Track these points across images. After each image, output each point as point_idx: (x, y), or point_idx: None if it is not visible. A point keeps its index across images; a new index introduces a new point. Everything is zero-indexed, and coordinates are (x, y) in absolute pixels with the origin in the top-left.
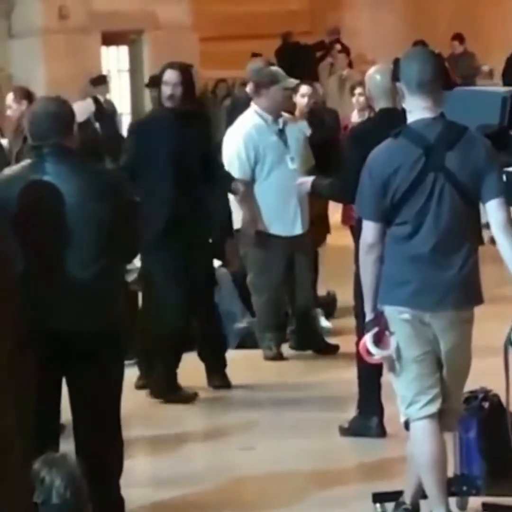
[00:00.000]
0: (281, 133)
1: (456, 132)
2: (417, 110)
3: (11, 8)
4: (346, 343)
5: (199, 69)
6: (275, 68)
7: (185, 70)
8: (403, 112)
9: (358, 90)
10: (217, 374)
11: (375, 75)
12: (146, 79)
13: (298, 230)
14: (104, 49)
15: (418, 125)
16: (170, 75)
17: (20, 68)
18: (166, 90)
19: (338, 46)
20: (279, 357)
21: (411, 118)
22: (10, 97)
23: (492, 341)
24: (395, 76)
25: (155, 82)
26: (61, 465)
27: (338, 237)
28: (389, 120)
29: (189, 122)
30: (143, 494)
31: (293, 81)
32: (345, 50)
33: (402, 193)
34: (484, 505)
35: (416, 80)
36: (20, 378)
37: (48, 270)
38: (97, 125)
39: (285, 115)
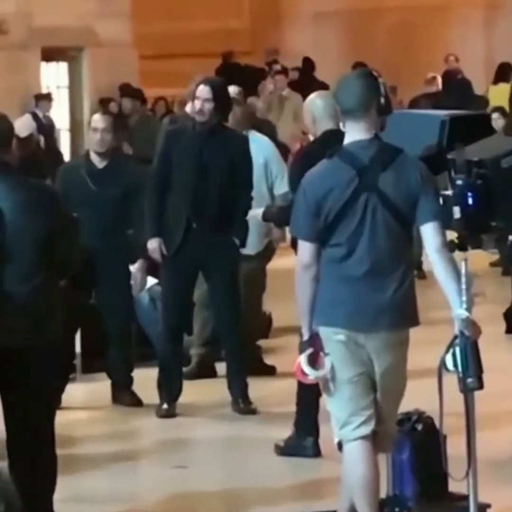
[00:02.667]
0: None
1: (390, 154)
2: (352, 131)
3: None
4: (283, 362)
5: (138, 86)
6: None
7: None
8: None
9: None
10: (126, 391)
11: (316, 99)
12: (85, 96)
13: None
14: (43, 65)
15: (353, 146)
16: (201, 90)
17: None
18: (196, 104)
19: (277, 67)
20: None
21: (347, 139)
22: None
23: (427, 363)
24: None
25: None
26: None
27: (281, 258)
28: (334, 141)
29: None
30: (76, 510)
31: None
32: (284, 71)
33: (335, 214)
34: None
35: (349, 106)
36: None
37: None
38: (41, 139)
39: None
